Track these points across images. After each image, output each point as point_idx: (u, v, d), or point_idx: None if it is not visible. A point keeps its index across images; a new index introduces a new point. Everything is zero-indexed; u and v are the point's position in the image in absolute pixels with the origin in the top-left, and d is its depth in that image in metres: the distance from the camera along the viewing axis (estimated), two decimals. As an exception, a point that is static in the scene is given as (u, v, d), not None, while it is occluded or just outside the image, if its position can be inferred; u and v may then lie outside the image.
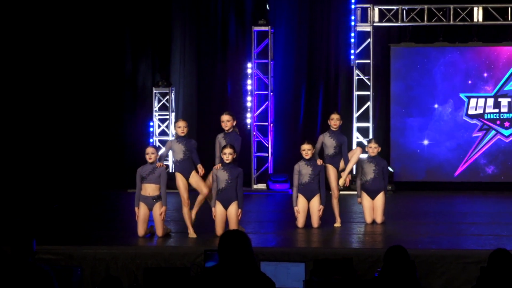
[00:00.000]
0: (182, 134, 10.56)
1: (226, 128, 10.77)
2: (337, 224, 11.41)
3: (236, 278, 5.35)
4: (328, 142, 11.50)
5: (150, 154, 10.49)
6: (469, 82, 16.59)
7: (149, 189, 10.49)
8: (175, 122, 10.72)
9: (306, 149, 11.21)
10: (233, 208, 10.44)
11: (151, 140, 17.04)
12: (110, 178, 16.82)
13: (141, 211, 10.48)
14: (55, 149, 16.71)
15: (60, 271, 7.90)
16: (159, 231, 10.50)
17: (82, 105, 16.96)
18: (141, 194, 10.51)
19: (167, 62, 17.33)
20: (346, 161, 11.61)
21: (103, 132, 17.06)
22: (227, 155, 10.43)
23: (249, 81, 16.99)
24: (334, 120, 11.56)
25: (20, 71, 16.44)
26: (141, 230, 10.50)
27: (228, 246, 5.41)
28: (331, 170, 11.53)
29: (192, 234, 10.47)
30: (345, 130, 16.85)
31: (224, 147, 10.52)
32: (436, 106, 16.67)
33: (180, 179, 10.53)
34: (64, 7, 16.75)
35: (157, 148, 11.01)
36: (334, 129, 11.55)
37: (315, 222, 11.23)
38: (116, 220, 12.41)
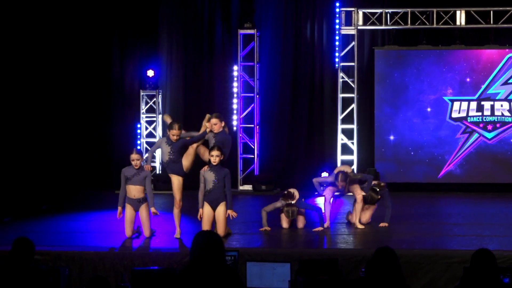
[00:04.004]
0: (175, 140, 10.64)
1: (215, 131, 10.86)
2: (326, 225, 11.52)
3: (204, 278, 5.44)
4: None
5: (135, 161, 10.54)
6: (452, 85, 16.73)
7: (134, 191, 10.56)
8: (170, 128, 10.64)
9: (215, 156, 10.53)
10: (221, 208, 10.51)
11: (138, 142, 17.12)
12: (98, 179, 16.88)
13: (128, 212, 10.57)
14: (43, 150, 16.72)
15: (48, 272, 7.93)
16: (146, 232, 10.60)
17: (71, 107, 16.99)
18: (126, 196, 10.60)
19: (154, 65, 17.35)
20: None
21: (91, 133, 17.09)
22: (214, 157, 10.48)
23: (235, 84, 17.08)
24: None
25: (9, 73, 16.43)
26: (128, 231, 10.61)
27: (199, 246, 5.50)
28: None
29: (178, 234, 10.57)
30: (330, 132, 17.05)
31: (212, 149, 10.57)
32: (419, 108, 16.79)
33: (175, 180, 10.62)
34: (52, 11, 16.76)
35: (142, 153, 11.04)
36: None
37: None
38: (103, 221, 12.46)
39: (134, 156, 10.58)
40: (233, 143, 16.70)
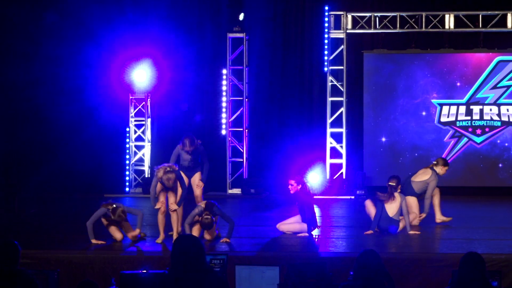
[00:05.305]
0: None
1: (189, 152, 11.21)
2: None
3: (185, 281, 5.45)
4: None
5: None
6: (441, 89, 16.78)
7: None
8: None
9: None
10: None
11: (127, 146, 17.10)
12: (86, 183, 16.83)
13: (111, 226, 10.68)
14: (33, 154, 16.68)
15: (37, 275, 7.89)
16: (133, 236, 10.58)
17: (60, 109, 16.94)
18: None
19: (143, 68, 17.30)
20: None
21: (80, 137, 17.04)
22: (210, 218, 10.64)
23: (224, 87, 17.07)
24: None
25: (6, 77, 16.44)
26: (117, 235, 10.59)
27: (179, 250, 5.52)
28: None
29: (160, 240, 10.51)
30: (319, 135, 17.05)
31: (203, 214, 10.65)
32: (408, 112, 16.83)
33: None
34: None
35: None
36: None
37: None
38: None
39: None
40: (222, 147, 16.84)
